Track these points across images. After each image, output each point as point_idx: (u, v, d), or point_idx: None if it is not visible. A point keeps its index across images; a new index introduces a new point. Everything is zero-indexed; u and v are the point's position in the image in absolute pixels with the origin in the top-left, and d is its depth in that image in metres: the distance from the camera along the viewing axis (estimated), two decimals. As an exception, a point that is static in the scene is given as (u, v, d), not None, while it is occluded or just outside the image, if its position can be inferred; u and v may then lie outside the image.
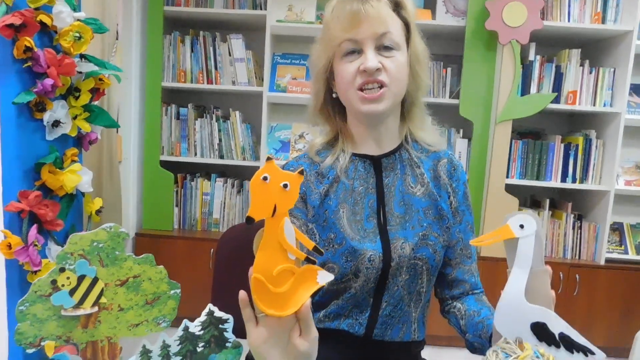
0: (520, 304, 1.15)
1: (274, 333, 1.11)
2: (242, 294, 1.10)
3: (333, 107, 1.76)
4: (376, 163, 1.72)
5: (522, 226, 1.16)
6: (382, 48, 1.57)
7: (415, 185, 1.70)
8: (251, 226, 1.06)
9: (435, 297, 1.81)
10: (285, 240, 1.07)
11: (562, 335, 1.12)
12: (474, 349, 1.59)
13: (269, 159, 1.04)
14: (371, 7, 1.54)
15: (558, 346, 1.12)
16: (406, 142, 1.76)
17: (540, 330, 1.13)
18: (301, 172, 1.06)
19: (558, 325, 1.13)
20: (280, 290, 1.07)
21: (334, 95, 1.71)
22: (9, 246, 1.86)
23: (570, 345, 1.12)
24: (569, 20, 4.30)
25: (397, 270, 1.61)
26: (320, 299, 1.69)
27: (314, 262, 1.10)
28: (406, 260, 1.60)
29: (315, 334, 1.13)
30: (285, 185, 1.04)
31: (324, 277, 1.10)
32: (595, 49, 4.65)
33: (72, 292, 1.09)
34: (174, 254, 4.36)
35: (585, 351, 1.12)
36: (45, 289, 1.08)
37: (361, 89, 1.58)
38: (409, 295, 1.65)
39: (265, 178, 1.03)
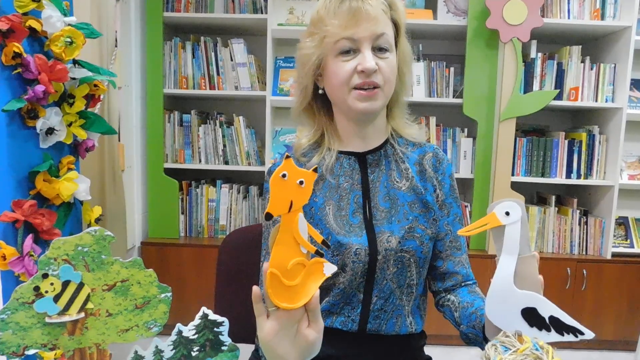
0: (510, 291, 1.17)
1: (284, 325, 1.13)
2: (255, 289, 1.12)
3: (317, 104, 1.77)
4: (361, 159, 1.74)
5: (507, 213, 1.18)
6: (377, 49, 1.58)
7: (401, 180, 1.71)
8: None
9: (430, 290, 1.82)
10: (300, 235, 1.10)
11: (552, 318, 1.15)
12: (468, 340, 1.59)
13: (287, 157, 1.07)
14: (370, 6, 1.54)
15: (549, 330, 1.15)
16: (392, 138, 1.78)
17: (531, 316, 1.16)
18: (315, 170, 1.09)
19: (548, 309, 1.15)
20: (293, 284, 1.10)
21: (320, 92, 1.71)
22: (4, 257, 1.84)
23: (561, 327, 1.15)
24: (568, 17, 4.30)
25: (384, 264, 1.62)
26: None
27: (322, 255, 1.14)
28: (393, 253, 1.62)
29: (322, 323, 1.17)
30: (301, 182, 1.07)
31: (329, 269, 1.14)
32: (595, 45, 4.66)
33: (56, 298, 1.07)
34: (181, 261, 4.35)
35: (575, 332, 1.14)
36: (28, 296, 1.06)
37: (355, 88, 1.59)
38: (399, 288, 1.66)
39: (284, 175, 1.06)
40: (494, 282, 1.19)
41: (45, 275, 1.06)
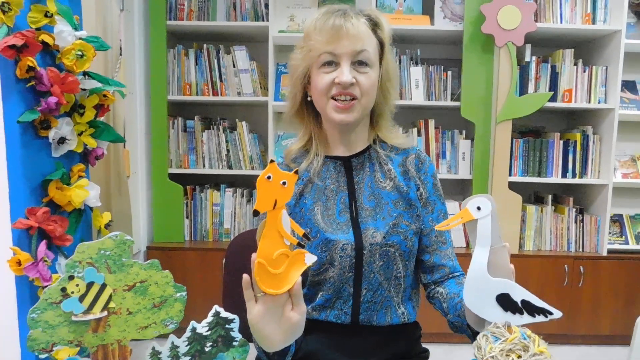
0: (484, 279, 1.27)
1: (270, 309, 1.27)
2: (245, 277, 1.24)
3: (307, 110, 1.87)
4: (346, 163, 1.85)
5: (479, 208, 1.29)
6: (357, 63, 1.69)
7: (385, 181, 1.82)
8: (256, 229, 1.23)
9: (421, 284, 1.91)
10: (283, 229, 1.23)
11: (523, 301, 1.24)
12: (455, 328, 1.68)
13: (272, 161, 1.20)
14: (352, 25, 1.65)
15: (522, 312, 1.24)
16: (374, 144, 1.89)
17: (505, 301, 1.25)
18: (296, 172, 1.23)
19: (519, 293, 1.25)
20: (278, 272, 1.23)
21: (308, 99, 1.82)
22: (19, 263, 1.90)
23: (532, 310, 1.24)
24: (561, 22, 4.39)
25: (370, 258, 1.73)
26: (307, 292, 1.80)
27: (303, 247, 1.27)
28: (378, 248, 1.72)
29: (304, 307, 1.32)
30: (284, 183, 1.21)
31: (310, 258, 1.28)
32: (587, 49, 4.73)
33: (81, 298, 1.15)
34: (186, 265, 4.39)
35: (545, 312, 1.24)
36: (56, 296, 1.15)
37: (334, 98, 1.70)
38: (387, 280, 1.76)
39: (269, 177, 1.19)
40: (469, 272, 1.28)
41: (71, 277, 1.15)
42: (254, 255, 1.22)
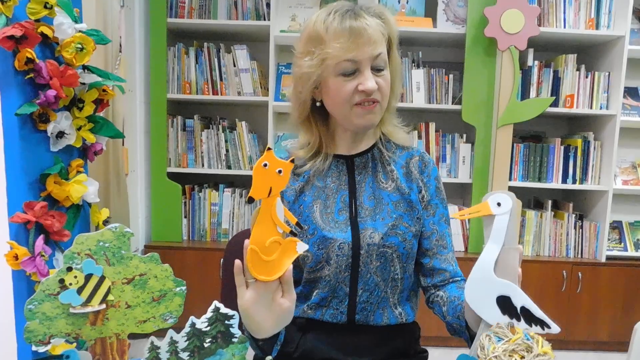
0: (489, 277, 1.26)
1: (261, 295, 1.28)
2: (237, 262, 1.25)
3: (314, 114, 1.82)
4: (349, 162, 1.82)
5: (499, 204, 1.27)
6: (375, 66, 1.65)
7: (386, 181, 1.80)
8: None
9: (420, 287, 1.89)
10: (277, 217, 1.24)
11: (523, 309, 1.23)
12: (453, 331, 1.67)
13: (269, 149, 1.20)
14: (369, 26, 1.60)
15: (519, 319, 1.23)
16: (380, 142, 1.86)
17: (505, 304, 1.23)
18: (292, 161, 1.23)
19: (520, 299, 1.23)
20: (270, 259, 1.25)
21: (317, 104, 1.77)
22: (16, 257, 1.88)
23: (530, 318, 1.23)
24: (564, 27, 4.39)
25: (367, 258, 1.71)
26: (302, 290, 1.78)
27: (295, 235, 1.29)
28: (375, 248, 1.70)
29: (294, 294, 1.33)
30: (279, 171, 1.20)
31: (301, 247, 1.29)
32: (590, 54, 4.73)
33: (79, 290, 1.13)
34: (183, 265, 4.38)
35: (543, 324, 1.22)
36: (53, 287, 1.13)
37: (356, 104, 1.66)
38: (383, 282, 1.74)
39: (265, 165, 1.19)
40: (476, 266, 1.27)
41: (69, 269, 1.13)
42: (246, 242, 1.23)
